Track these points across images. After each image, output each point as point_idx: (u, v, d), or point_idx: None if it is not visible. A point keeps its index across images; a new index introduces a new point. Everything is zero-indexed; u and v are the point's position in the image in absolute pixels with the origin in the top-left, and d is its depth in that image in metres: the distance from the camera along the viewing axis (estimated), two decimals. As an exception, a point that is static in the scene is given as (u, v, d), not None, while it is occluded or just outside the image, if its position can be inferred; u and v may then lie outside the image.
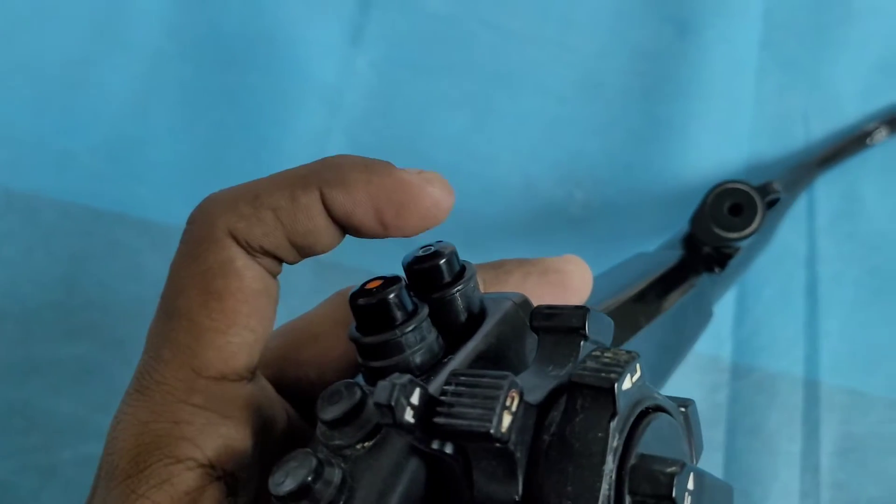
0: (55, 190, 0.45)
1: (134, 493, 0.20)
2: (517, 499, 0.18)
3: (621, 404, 0.18)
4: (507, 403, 0.17)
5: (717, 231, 0.30)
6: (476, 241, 0.48)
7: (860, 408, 0.45)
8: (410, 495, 0.19)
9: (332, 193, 0.21)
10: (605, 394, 0.18)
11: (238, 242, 0.21)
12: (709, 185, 0.50)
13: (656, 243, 0.46)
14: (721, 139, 0.51)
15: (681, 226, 0.43)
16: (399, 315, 0.20)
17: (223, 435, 0.21)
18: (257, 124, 0.48)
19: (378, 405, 0.17)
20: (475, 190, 0.48)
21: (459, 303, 0.22)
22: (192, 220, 0.22)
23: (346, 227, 0.22)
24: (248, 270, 0.21)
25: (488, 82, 0.51)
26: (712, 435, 0.44)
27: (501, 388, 0.17)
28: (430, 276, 0.22)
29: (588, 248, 0.50)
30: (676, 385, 0.44)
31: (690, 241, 0.36)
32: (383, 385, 0.17)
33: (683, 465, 0.17)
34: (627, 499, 0.17)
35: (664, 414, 0.19)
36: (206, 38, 0.49)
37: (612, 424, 0.17)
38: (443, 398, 0.18)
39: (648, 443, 0.18)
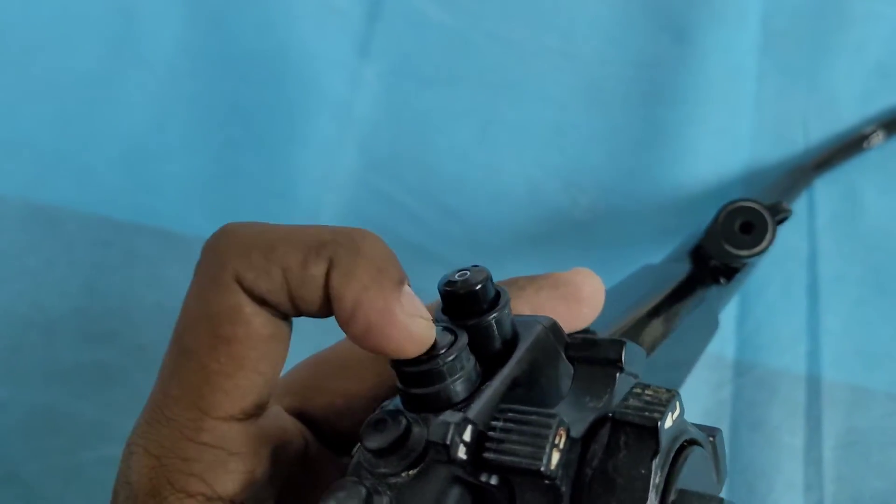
0: (76, 202, 0.47)
1: None
2: None
3: (663, 442, 0.18)
4: (556, 441, 0.18)
5: (728, 248, 0.31)
6: (483, 248, 0.49)
7: (862, 403, 0.46)
8: None
9: (336, 277, 0.21)
10: (649, 432, 0.18)
11: (244, 289, 0.21)
12: (710, 190, 0.51)
13: (660, 247, 0.47)
14: (721, 144, 0.52)
15: (686, 235, 0.44)
16: (441, 344, 0.21)
17: (232, 470, 0.21)
18: (269, 137, 0.50)
19: (433, 443, 0.18)
20: (481, 198, 0.50)
21: (495, 329, 0.22)
22: (205, 252, 0.22)
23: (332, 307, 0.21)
24: (257, 317, 0.21)
25: (492, 92, 0.52)
26: (717, 431, 0.45)
27: (551, 427, 0.18)
28: (468, 302, 0.22)
29: (593, 253, 0.51)
30: (686, 382, 0.46)
31: (698, 254, 0.36)
32: (438, 424, 0.18)
33: (721, 502, 0.18)
34: None
35: (698, 447, 0.20)
36: (219, 55, 0.51)
37: (655, 462, 0.18)
38: (491, 434, 0.19)
39: (685, 477, 0.19)
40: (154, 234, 0.47)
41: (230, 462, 0.21)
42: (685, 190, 0.50)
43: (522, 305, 0.25)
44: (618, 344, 0.21)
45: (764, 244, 0.31)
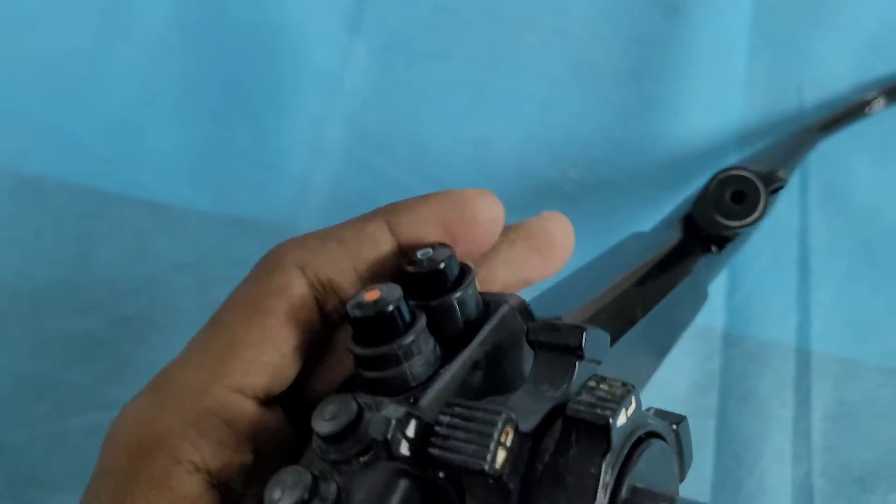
0: (64, 174, 0.47)
1: (131, 493, 0.20)
2: None
3: (615, 440, 0.18)
4: (502, 440, 0.17)
5: (719, 218, 0.30)
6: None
7: (852, 375, 0.46)
8: None
9: (398, 217, 0.22)
10: (600, 431, 0.18)
11: (305, 273, 0.21)
12: (700, 162, 0.51)
13: (650, 219, 0.46)
14: (711, 118, 0.52)
15: (676, 205, 0.44)
16: (397, 327, 0.20)
17: (225, 444, 0.21)
18: (259, 111, 0.50)
19: (374, 440, 0.18)
20: (470, 171, 0.50)
21: (457, 309, 0.21)
22: (264, 257, 0.22)
23: (418, 248, 0.22)
24: (301, 297, 0.21)
25: (483, 67, 0.52)
26: (705, 401, 0.45)
27: (496, 425, 0.17)
28: (430, 281, 0.21)
29: (582, 225, 0.50)
30: (674, 354, 0.45)
31: (688, 223, 0.36)
32: (378, 420, 0.17)
33: (672, 501, 0.18)
34: None
35: (657, 439, 0.19)
36: (210, 30, 0.51)
37: (606, 461, 0.18)
38: (438, 429, 0.18)
39: (642, 471, 0.18)
40: (142, 205, 0.47)
41: (225, 435, 0.21)
42: (675, 163, 0.50)
43: (498, 265, 0.25)
44: (578, 330, 0.20)
45: (756, 215, 0.30)
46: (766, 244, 0.49)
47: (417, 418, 0.18)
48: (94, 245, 0.46)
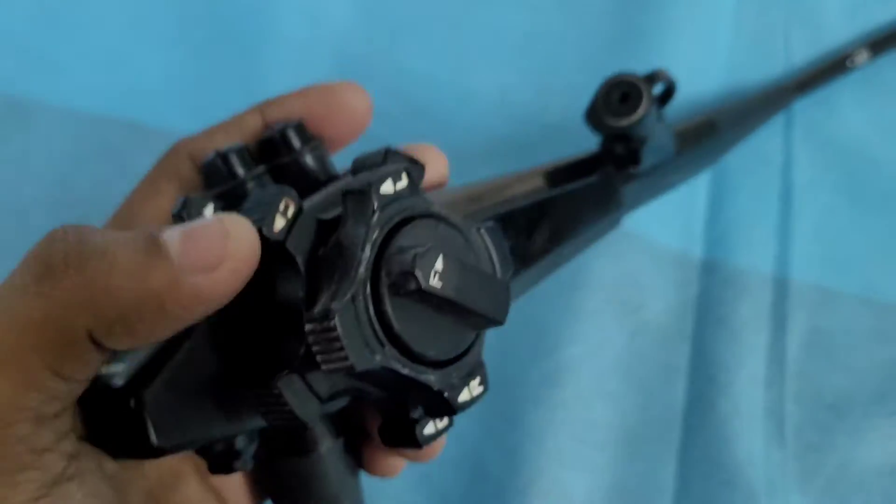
0: (51, 96, 0.48)
1: None
2: (301, 295, 0.20)
3: (378, 203, 0.20)
4: (282, 209, 0.20)
5: (608, 121, 0.32)
6: (450, 147, 0.49)
7: (830, 304, 0.46)
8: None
9: (270, 107, 0.27)
10: (363, 195, 0.20)
11: (192, 159, 0.26)
12: (684, 94, 0.51)
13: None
14: (699, 48, 0.51)
15: None
16: (231, 170, 0.24)
17: None
18: (243, 38, 0.50)
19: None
20: (451, 99, 0.50)
21: (300, 165, 0.25)
22: (166, 151, 0.29)
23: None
24: (189, 178, 0.27)
25: (467, -3, 0.52)
26: (681, 326, 0.45)
27: (277, 197, 0.20)
28: (275, 143, 0.25)
29: (564, 154, 0.51)
30: (649, 281, 0.46)
31: (603, 144, 0.37)
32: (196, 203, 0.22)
33: (430, 248, 0.19)
34: (384, 280, 0.19)
35: (442, 223, 0.21)
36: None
37: (373, 220, 0.20)
38: (244, 204, 0.21)
39: (417, 241, 0.20)
40: (126, 126, 0.47)
41: None
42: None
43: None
44: (384, 150, 0.23)
45: (640, 111, 0.31)
46: (749, 178, 0.49)
47: (215, 200, 0.22)
48: (79, 164, 0.46)
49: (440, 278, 0.19)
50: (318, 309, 0.19)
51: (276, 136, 0.25)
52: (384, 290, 0.20)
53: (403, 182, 0.21)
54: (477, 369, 0.22)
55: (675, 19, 0.51)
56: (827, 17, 0.53)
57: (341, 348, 0.19)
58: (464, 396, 0.21)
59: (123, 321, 0.18)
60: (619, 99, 0.32)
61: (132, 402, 0.20)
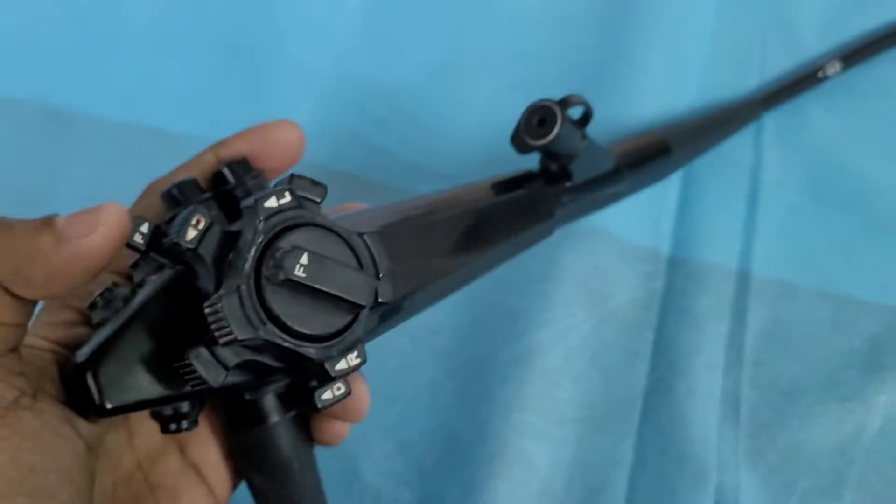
0: (87, 105, 0.54)
1: None
2: (212, 288, 0.26)
3: (263, 215, 0.26)
4: (194, 223, 0.25)
5: (528, 141, 0.36)
6: (442, 152, 0.54)
7: (789, 297, 0.49)
8: (168, 288, 0.27)
9: (222, 148, 0.32)
10: (252, 209, 0.26)
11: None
12: (661, 106, 0.54)
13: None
14: (676, 63, 0.55)
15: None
16: (183, 197, 0.30)
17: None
18: (255, 53, 0.55)
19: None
20: (444, 108, 0.54)
21: (250, 191, 0.30)
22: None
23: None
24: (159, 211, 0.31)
25: (462, 14, 0.57)
26: (645, 316, 0.48)
27: (192, 214, 0.26)
28: (220, 176, 0.31)
29: None
30: (617, 274, 0.49)
31: (541, 162, 0.40)
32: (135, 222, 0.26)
33: (299, 248, 0.25)
34: (266, 272, 0.25)
35: (321, 230, 0.27)
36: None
37: (259, 228, 0.26)
38: (166, 228, 0.26)
39: (294, 243, 0.26)
40: (151, 133, 0.53)
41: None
42: (633, 106, 0.53)
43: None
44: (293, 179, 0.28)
45: (554, 132, 0.35)
46: (718, 178, 0.53)
47: (150, 222, 0.26)
48: (109, 167, 0.52)
49: (304, 270, 0.25)
50: (213, 296, 0.25)
51: (222, 170, 0.31)
52: (264, 281, 0.25)
53: (286, 198, 0.26)
54: (355, 345, 0.27)
55: (654, 36, 0.55)
56: (804, 31, 0.57)
57: (227, 325, 0.24)
58: (341, 366, 0.26)
59: (22, 273, 0.25)
60: (538, 122, 0.36)
61: (83, 372, 0.26)
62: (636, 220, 0.50)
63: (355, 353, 0.26)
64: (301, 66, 0.55)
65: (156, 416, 0.29)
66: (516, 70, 0.55)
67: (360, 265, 0.27)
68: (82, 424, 0.27)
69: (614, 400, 0.46)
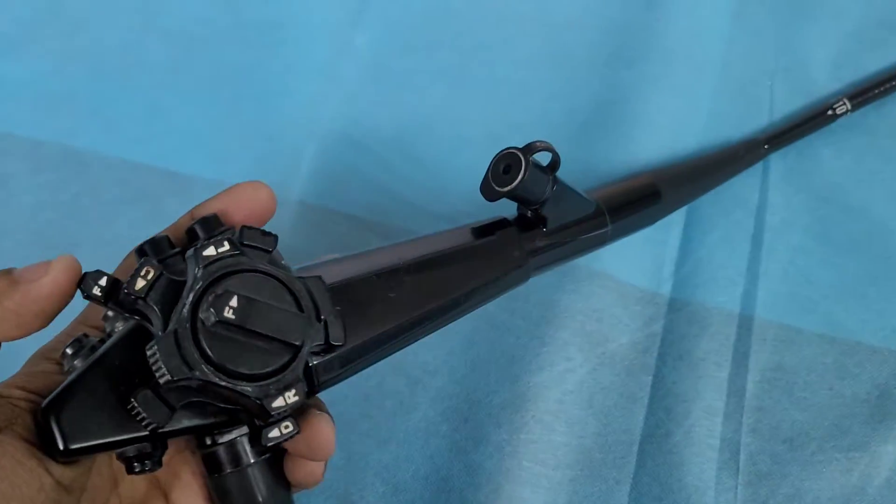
0: (102, 147, 0.56)
1: None
2: (161, 333, 0.27)
3: (201, 263, 0.27)
4: (143, 274, 0.27)
5: (496, 188, 0.36)
6: (442, 191, 0.54)
7: (793, 341, 0.48)
8: (129, 336, 0.29)
9: (198, 209, 0.33)
10: (192, 259, 0.27)
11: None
12: (666, 146, 0.54)
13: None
14: (682, 101, 0.55)
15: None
16: (153, 252, 0.31)
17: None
18: (263, 95, 0.57)
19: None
20: (445, 149, 0.55)
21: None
22: None
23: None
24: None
25: (466, 55, 0.57)
26: (644, 360, 0.48)
27: (141, 266, 0.28)
28: (191, 232, 0.31)
29: None
30: (616, 317, 0.49)
31: (517, 210, 0.40)
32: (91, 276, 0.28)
33: (230, 292, 0.27)
34: (201, 315, 0.27)
35: (259, 275, 0.28)
36: (229, 24, 0.59)
37: (197, 275, 0.27)
38: (124, 281, 0.28)
39: (230, 288, 0.27)
40: (161, 174, 0.54)
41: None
42: (636, 142, 0.53)
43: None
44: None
45: (518, 178, 0.36)
46: (722, 219, 0.52)
47: (109, 276, 0.28)
48: (121, 207, 0.54)
49: (234, 312, 0.26)
50: (152, 341, 0.26)
51: (193, 226, 0.32)
52: (200, 324, 0.26)
53: (225, 247, 0.28)
54: (294, 383, 0.27)
55: (660, 74, 0.55)
56: (815, 70, 0.56)
57: (161, 366, 0.26)
58: (278, 403, 0.27)
59: None
60: (503, 169, 0.37)
61: (47, 416, 0.27)
62: (636, 261, 0.50)
63: (293, 392, 0.27)
64: (308, 108, 0.56)
65: (120, 457, 0.30)
66: (518, 108, 0.56)
67: (301, 308, 0.28)
68: (54, 465, 0.28)
69: (610, 445, 0.45)
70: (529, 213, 0.39)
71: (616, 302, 0.49)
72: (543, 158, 0.38)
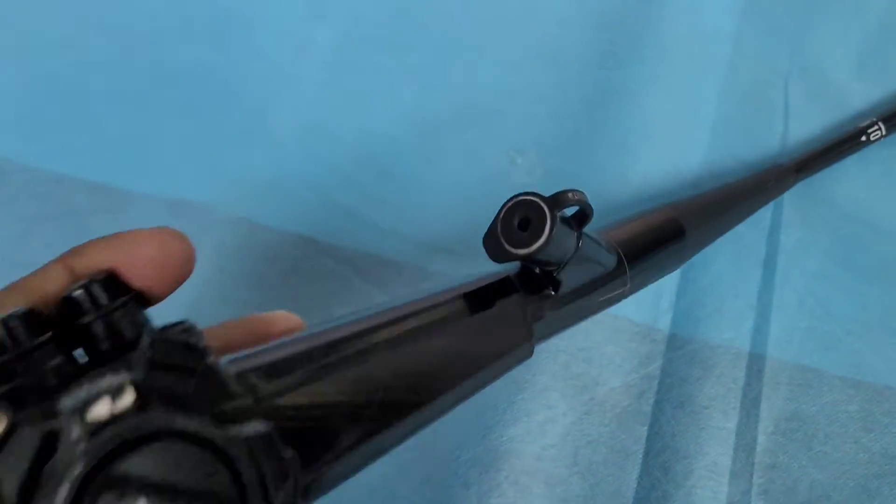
0: (24, 157, 0.49)
1: None
2: None
3: (81, 433, 0.17)
4: None
5: (509, 248, 0.26)
6: (414, 210, 0.47)
7: (811, 385, 0.41)
8: None
9: (74, 260, 0.23)
10: (69, 419, 0.18)
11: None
12: (664, 153, 0.47)
13: (598, 210, 0.43)
14: (683, 105, 0.48)
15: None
16: (10, 340, 0.20)
17: None
18: (207, 99, 0.50)
19: None
20: (417, 160, 0.48)
21: (95, 329, 0.21)
22: None
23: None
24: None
25: (444, 56, 0.51)
26: (639, 406, 0.41)
27: None
28: (71, 304, 0.21)
29: None
30: (606, 355, 0.42)
31: (521, 267, 0.31)
32: None
33: (129, 489, 0.17)
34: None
35: (179, 443, 0.18)
36: (175, 21, 0.52)
37: (75, 452, 0.17)
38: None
39: (131, 473, 0.18)
40: (88, 187, 0.48)
41: None
42: (631, 152, 0.47)
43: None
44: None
45: (541, 240, 0.26)
46: (729, 241, 0.45)
47: None
48: (39, 224, 0.47)
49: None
50: None
51: (73, 294, 0.21)
52: None
53: (127, 399, 0.18)
54: None
55: (659, 75, 0.48)
56: (833, 72, 0.50)
57: None
58: None
59: None
60: (519, 224, 0.26)
61: None
62: (630, 291, 0.43)
63: None
64: (260, 113, 0.49)
65: None
66: (501, 112, 0.49)
67: (244, 494, 0.19)
68: None
69: (597, 510, 0.39)
70: (538, 270, 0.30)
71: (606, 338, 0.42)
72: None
